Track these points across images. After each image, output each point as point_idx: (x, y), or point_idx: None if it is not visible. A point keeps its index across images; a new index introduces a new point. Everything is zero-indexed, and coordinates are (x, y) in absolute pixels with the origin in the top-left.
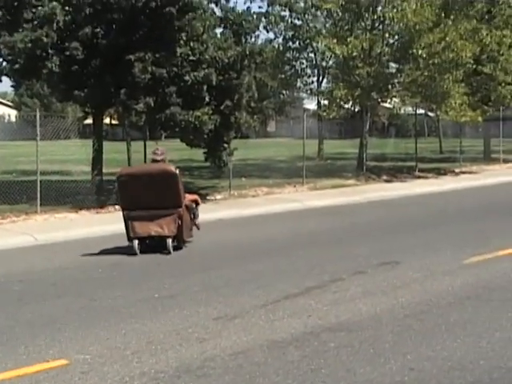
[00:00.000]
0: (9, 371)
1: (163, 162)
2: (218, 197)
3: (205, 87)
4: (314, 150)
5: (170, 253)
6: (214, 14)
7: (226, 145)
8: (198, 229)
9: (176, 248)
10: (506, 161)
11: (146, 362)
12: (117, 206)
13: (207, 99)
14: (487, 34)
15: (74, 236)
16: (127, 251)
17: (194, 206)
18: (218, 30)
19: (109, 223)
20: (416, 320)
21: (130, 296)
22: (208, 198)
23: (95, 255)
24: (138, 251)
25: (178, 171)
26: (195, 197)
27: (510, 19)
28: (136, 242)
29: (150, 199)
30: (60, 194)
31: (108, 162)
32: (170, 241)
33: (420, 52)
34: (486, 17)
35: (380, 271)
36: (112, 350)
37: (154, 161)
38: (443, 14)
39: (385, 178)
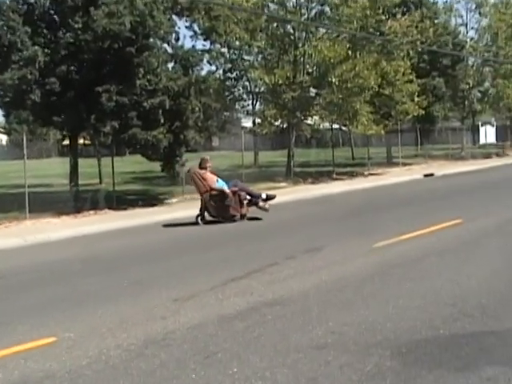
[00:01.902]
0: (10, 348)
1: (205, 168)
2: (174, 200)
3: (160, 111)
4: (251, 159)
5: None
6: (166, 51)
7: (178, 158)
8: (265, 210)
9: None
10: (404, 164)
11: (119, 337)
12: (91, 211)
13: (162, 121)
14: (386, 64)
15: (57, 237)
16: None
17: (228, 194)
18: (170, 65)
19: (84, 225)
20: (336, 293)
21: (104, 283)
22: (165, 201)
23: (75, 252)
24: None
25: (190, 174)
26: (222, 190)
27: (401, 53)
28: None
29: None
30: (44, 203)
31: (83, 175)
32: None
33: (334, 80)
34: (385, 51)
35: (307, 256)
36: (91, 328)
37: (199, 167)
38: (350, 51)
39: (309, 180)
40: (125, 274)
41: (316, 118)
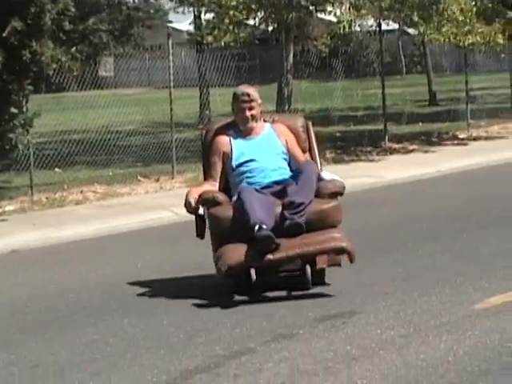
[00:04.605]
0: None
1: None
2: (9, 207)
3: None
4: (194, 108)
5: None
6: None
7: (15, 108)
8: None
9: None
10: None
11: None
12: None
13: None
14: None
15: None
16: None
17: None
18: None
19: None
20: None
21: None
22: None
23: None
24: None
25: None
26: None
27: None
28: None
29: None
30: None
31: None
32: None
33: None
34: None
35: (320, 331)
36: None
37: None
38: None
39: (329, 155)
40: None
41: (343, 7)
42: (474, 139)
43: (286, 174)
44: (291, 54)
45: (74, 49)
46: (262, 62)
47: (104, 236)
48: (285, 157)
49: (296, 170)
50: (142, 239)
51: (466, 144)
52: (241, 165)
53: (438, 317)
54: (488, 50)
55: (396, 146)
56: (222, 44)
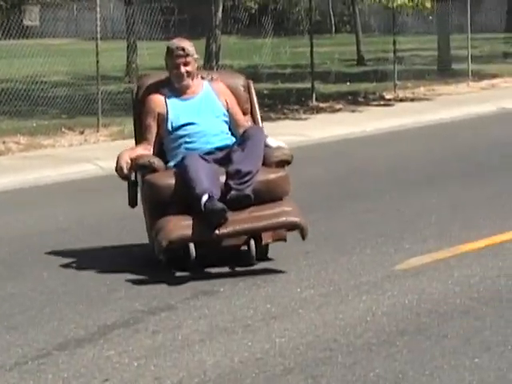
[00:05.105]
0: None
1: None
2: None
3: None
4: (121, 61)
5: None
6: None
7: None
8: None
9: None
10: (477, 75)
11: None
12: None
13: None
14: None
15: None
16: None
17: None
18: None
19: None
20: (305, 379)
21: None
22: None
23: None
24: None
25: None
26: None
27: None
28: None
29: None
30: None
31: None
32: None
33: None
34: None
35: (241, 289)
36: None
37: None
38: None
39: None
40: None
41: None
42: (401, 100)
43: (228, 139)
44: (220, 9)
45: None
46: (191, 16)
47: (27, 188)
48: (226, 119)
49: (243, 136)
50: (65, 192)
51: (392, 105)
52: (178, 128)
53: (358, 277)
54: (416, 12)
55: (323, 105)
56: None
